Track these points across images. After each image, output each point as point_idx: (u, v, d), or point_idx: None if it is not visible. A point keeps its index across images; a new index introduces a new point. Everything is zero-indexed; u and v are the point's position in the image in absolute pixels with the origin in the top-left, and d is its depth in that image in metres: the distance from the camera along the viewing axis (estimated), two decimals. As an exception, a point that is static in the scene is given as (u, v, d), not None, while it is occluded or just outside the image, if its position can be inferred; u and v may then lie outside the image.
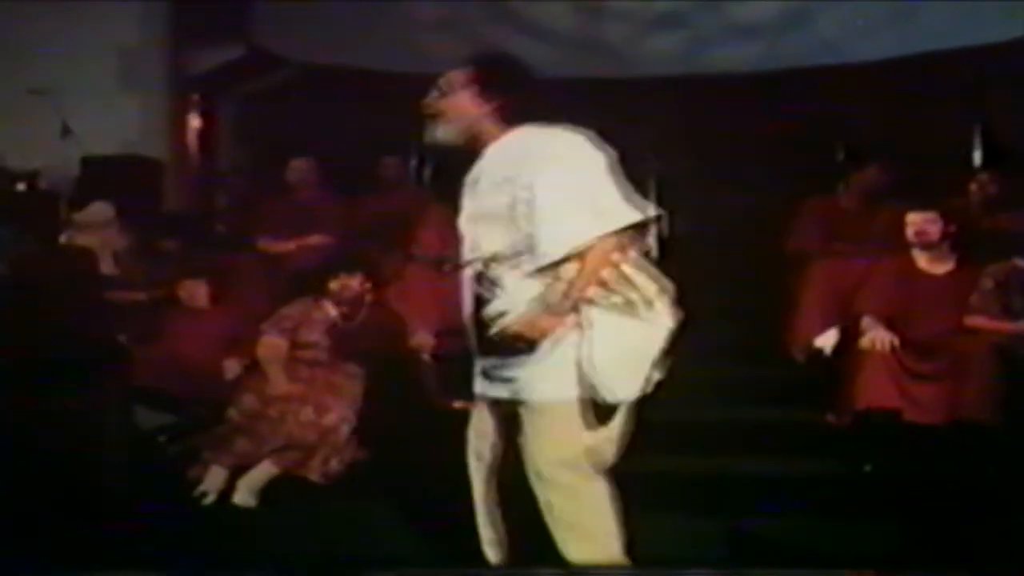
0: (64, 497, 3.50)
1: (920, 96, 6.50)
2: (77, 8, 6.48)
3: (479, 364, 2.76)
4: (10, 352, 3.80)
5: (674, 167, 6.73)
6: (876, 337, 4.24)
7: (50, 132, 6.24)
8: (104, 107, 6.47)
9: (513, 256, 2.63)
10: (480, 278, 2.69)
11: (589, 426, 2.65)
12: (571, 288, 2.58)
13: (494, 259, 2.65)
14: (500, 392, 2.71)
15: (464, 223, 2.75)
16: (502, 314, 2.62)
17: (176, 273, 5.04)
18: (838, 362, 4.50)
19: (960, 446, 3.94)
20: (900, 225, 4.55)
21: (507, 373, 2.68)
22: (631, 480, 3.57)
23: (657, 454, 4.10)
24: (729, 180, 6.84)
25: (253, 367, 4.43)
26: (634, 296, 2.61)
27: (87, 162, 6.24)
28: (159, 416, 4.37)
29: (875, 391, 4.11)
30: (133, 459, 4.00)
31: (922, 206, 4.50)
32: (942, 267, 4.51)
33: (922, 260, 4.51)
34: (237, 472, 4.01)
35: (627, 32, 7.61)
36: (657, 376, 2.67)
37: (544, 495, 2.66)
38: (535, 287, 2.62)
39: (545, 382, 2.63)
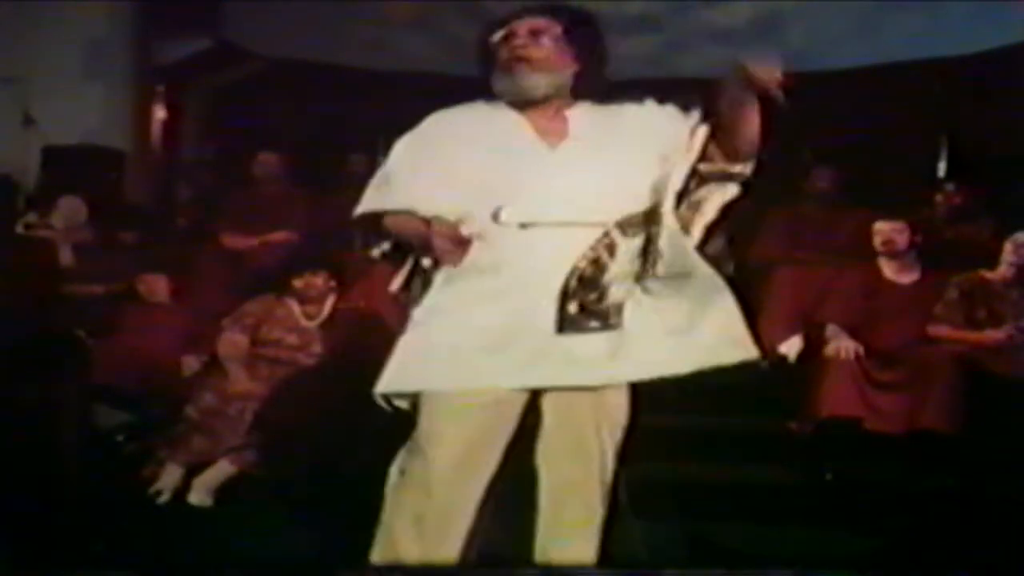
0: (17, 492, 3.43)
1: (887, 106, 6.54)
2: (44, -4, 6.39)
3: None
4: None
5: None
6: (840, 345, 4.25)
7: (11, 120, 6.16)
8: (68, 96, 6.37)
9: None
10: None
11: None
12: None
13: None
14: None
15: None
16: None
17: (136, 266, 4.97)
18: (802, 370, 4.50)
19: (920, 456, 3.96)
20: (865, 234, 4.57)
21: None
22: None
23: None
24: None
25: (213, 364, 4.37)
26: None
27: (48, 152, 6.15)
28: (116, 413, 4.31)
29: (838, 399, 4.12)
30: (88, 456, 3.93)
31: (890, 216, 4.53)
32: (907, 276, 4.53)
33: (888, 269, 4.53)
34: (193, 471, 3.95)
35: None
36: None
37: None
38: None
39: None
